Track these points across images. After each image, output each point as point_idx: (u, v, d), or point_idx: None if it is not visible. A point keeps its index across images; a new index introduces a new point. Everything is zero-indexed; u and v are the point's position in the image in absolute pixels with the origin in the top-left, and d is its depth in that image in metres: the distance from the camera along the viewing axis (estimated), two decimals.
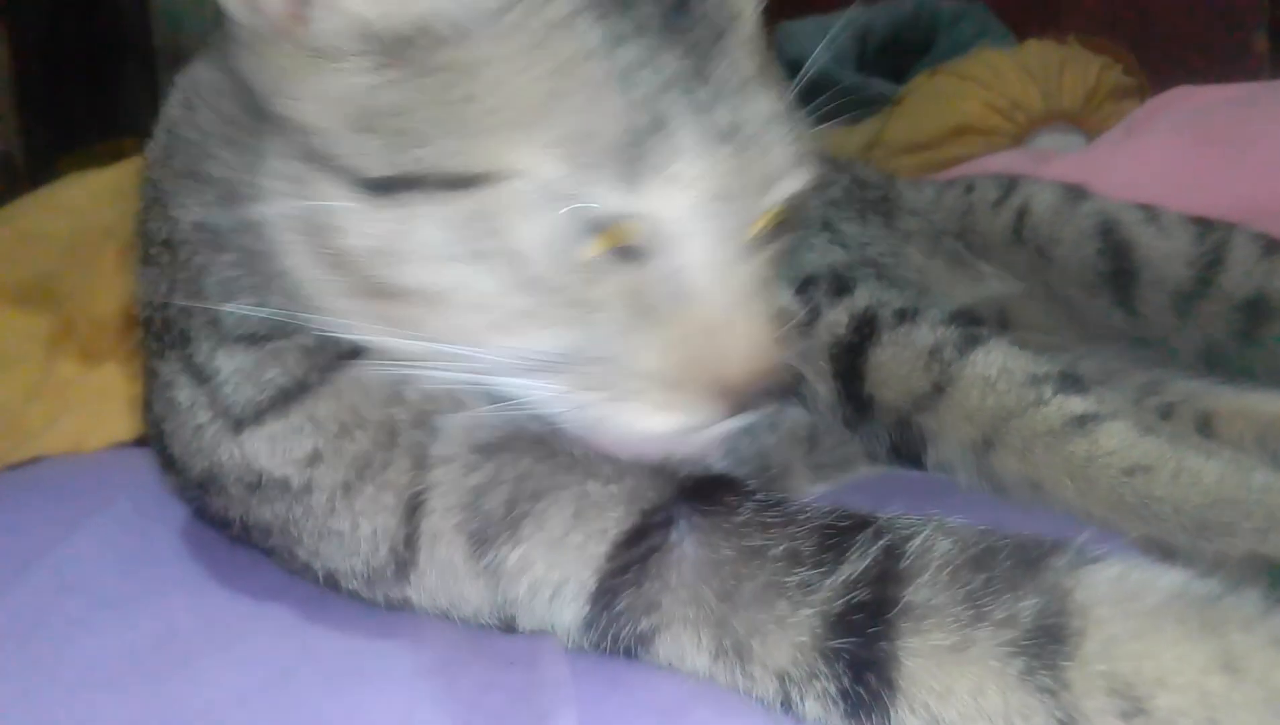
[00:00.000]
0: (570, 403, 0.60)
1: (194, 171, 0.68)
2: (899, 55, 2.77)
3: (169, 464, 0.76)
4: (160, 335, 0.73)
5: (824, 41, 0.78)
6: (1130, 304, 1.08)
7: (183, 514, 0.83)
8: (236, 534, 0.73)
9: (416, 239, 0.57)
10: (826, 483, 0.87)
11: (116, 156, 2.66)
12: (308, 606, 0.71)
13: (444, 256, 0.57)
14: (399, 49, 0.58)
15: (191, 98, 0.70)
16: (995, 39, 2.58)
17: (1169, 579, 0.53)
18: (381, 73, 0.58)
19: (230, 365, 0.69)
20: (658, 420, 0.60)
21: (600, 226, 0.57)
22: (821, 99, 0.70)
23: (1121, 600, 0.52)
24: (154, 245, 0.72)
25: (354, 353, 0.67)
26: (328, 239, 0.60)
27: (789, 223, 0.66)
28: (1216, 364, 0.98)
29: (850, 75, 2.76)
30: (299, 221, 0.61)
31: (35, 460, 1.08)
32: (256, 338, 0.68)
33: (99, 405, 1.13)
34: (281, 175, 0.61)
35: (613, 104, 0.56)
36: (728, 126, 0.58)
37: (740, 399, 0.59)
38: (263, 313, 0.66)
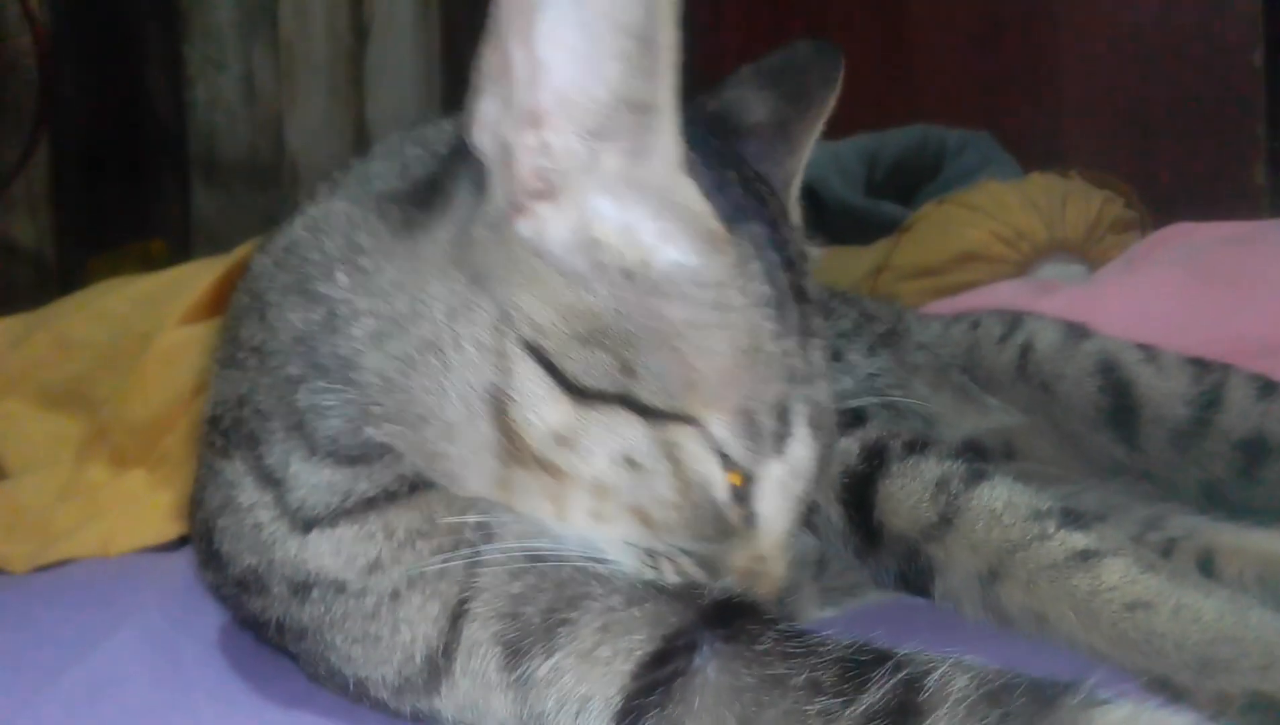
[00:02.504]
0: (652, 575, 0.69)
1: (304, 288, 0.72)
2: (906, 180, 2.85)
3: (210, 559, 0.78)
4: (228, 433, 0.75)
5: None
6: (1131, 440, 1.11)
7: (212, 624, 0.86)
8: (270, 635, 0.75)
9: (600, 442, 0.65)
10: (834, 608, 0.89)
11: (145, 258, 2.75)
12: (335, 714, 0.73)
13: (631, 463, 0.66)
14: (627, 278, 0.66)
15: (322, 224, 0.74)
16: (1000, 168, 2.66)
17: (1177, 722, 0.55)
18: (607, 294, 0.66)
19: (313, 477, 0.71)
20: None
21: (734, 472, 0.68)
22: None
23: None
24: (243, 350, 0.75)
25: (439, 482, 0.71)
26: (508, 409, 0.66)
27: None
28: (1217, 500, 1.01)
29: (859, 199, 2.84)
30: (479, 384, 0.66)
31: (63, 563, 1.11)
32: (351, 458, 0.71)
33: (127, 510, 1.16)
34: (474, 341, 0.66)
35: (768, 386, 0.68)
36: (818, 416, 0.70)
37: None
38: (363, 437, 0.70)
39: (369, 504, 0.71)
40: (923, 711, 0.57)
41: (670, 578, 0.68)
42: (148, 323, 1.33)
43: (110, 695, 0.79)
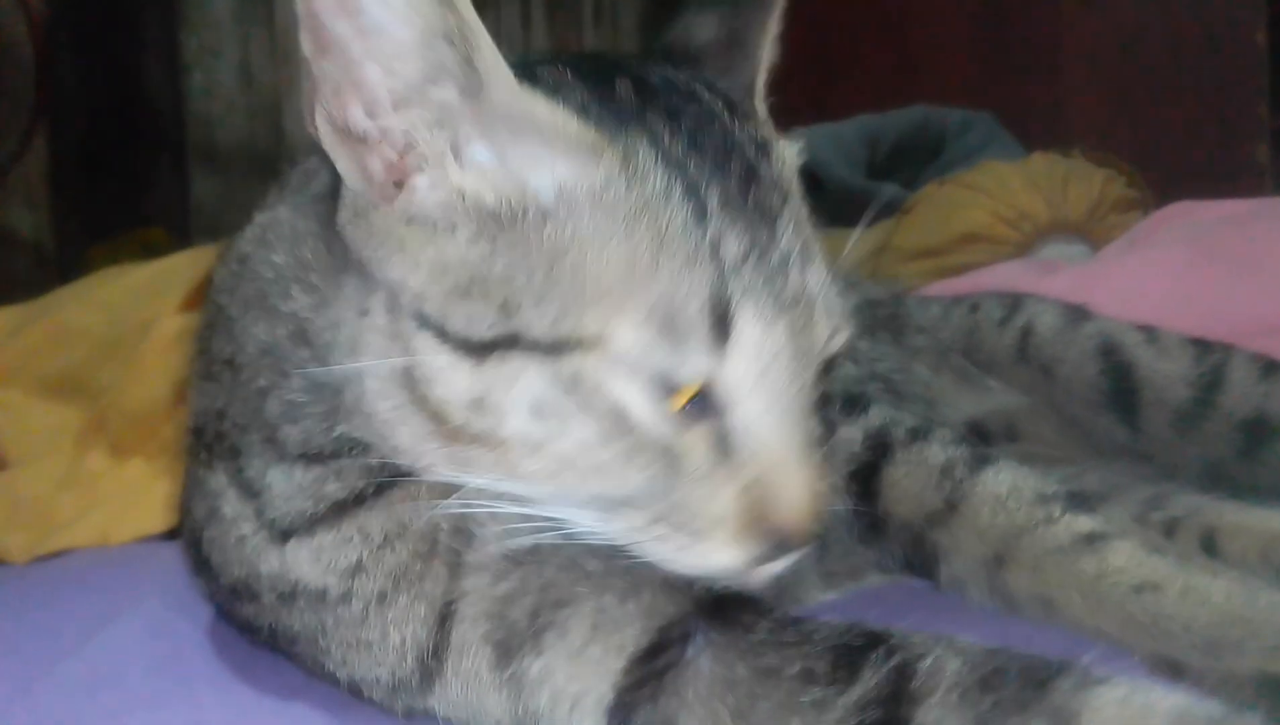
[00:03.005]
0: (634, 539, 0.63)
1: (264, 303, 0.72)
2: (908, 161, 2.84)
3: (202, 567, 0.78)
4: (211, 446, 0.75)
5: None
6: (1133, 422, 1.11)
7: (209, 612, 0.85)
8: (264, 640, 0.75)
9: (515, 395, 0.61)
10: (836, 591, 0.89)
11: (144, 246, 2.74)
12: (331, 704, 0.73)
13: (541, 411, 0.61)
14: (503, 222, 0.62)
15: (269, 236, 0.73)
16: (1002, 148, 2.65)
17: (1172, 702, 0.55)
18: (485, 244, 0.62)
19: (285, 481, 0.71)
20: (716, 559, 0.63)
21: (681, 386, 0.61)
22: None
23: (1126, 723, 0.53)
24: (217, 363, 0.75)
25: (411, 471, 0.70)
26: (422, 390, 0.63)
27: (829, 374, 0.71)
28: (1219, 480, 1.00)
29: (861, 180, 2.83)
30: (391, 372, 0.64)
31: (63, 552, 1.11)
32: (321, 456, 0.70)
33: (127, 499, 1.16)
34: (377, 330, 0.65)
35: (696, 277, 0.61)
36: (790, 297, 0.63)
37: (790, 540, 0.63)
38: (335, 433, 0.69)
39: (340, 508, 0.70)
40: (915, 699, 0.57)
41: (654, 550, 0.63)
42: (146, 311, 1.32)
43: (110, 683, 0.79)
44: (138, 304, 1.38)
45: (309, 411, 0.70)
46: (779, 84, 0.79)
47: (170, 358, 1.22)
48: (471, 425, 0.63)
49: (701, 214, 0.62)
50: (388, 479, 0.70)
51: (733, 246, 0.62)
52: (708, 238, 0.62)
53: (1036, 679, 0.56)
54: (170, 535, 1.11)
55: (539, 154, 0.62)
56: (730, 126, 0.68)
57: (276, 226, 0.73)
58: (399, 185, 0.63)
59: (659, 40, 0.80)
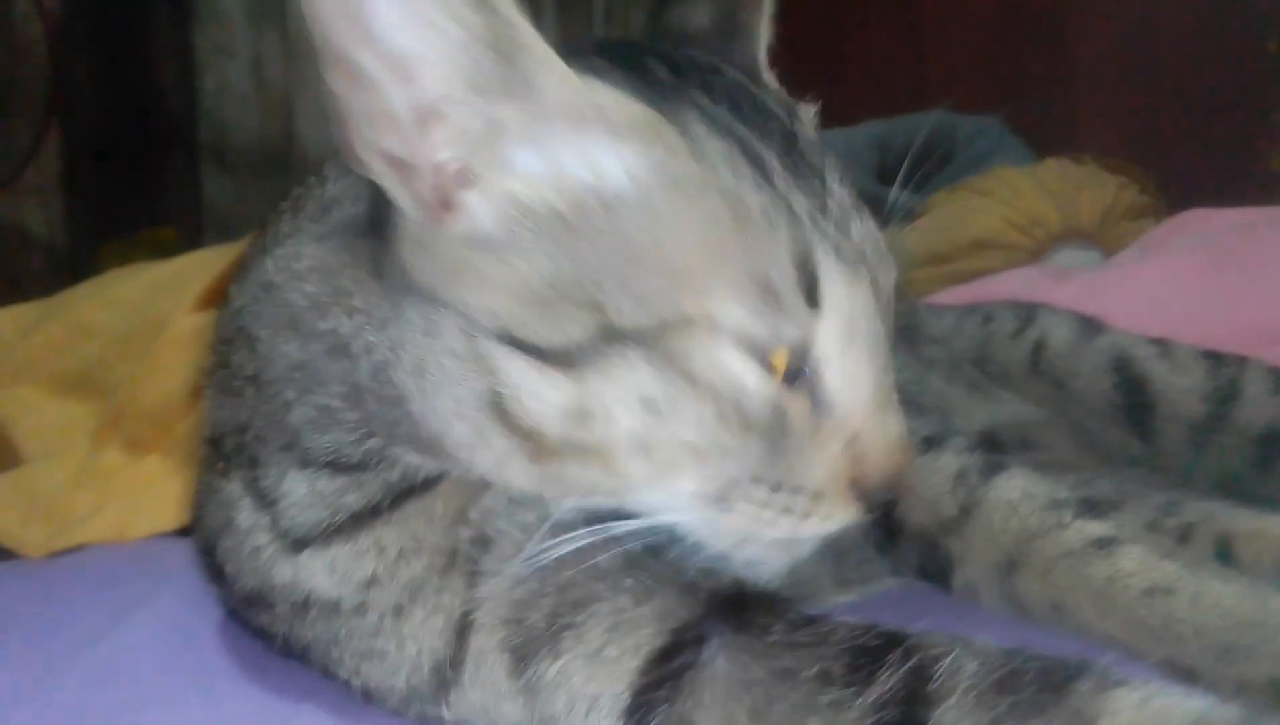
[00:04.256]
0: (744, 532, 0.64)
1: (297, 326, 0.70)
2: (919, 167, 2.84)
3: (217, 576, 0.78)
4: (230, 456, 0.75)
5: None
6: (1147, 436, 1.11)
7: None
8: (278, 648, 0.75)
9: (622, 392, 0.60)
10: (852, 594, 0.89)
11: (156, 245, 2.75)
12: (345, 702, 0.73)
13: (653, 403, 0.60)
14: (569, 222, 0.61)
15: (297, 268, 0.71)
16: (1013, 154, 2.65)
17: (1190, 705, 0.54)
18: (555, 249, 0.60)
19: (305, 488, 0.70)
20: (835, 519, 0.64)
21: (780, 349, 0.61)
22: None
23: None
24: (239, 379, 0.74)
25: (426, 485, 0.70)
26: (511, 410, 0.61)
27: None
28: (1234, 493, 0.99)
29: (872, 185, 2.83)
30: (471, 394, 0.62)
31: (79, 548, 1.11)
32: (347, 466, 0.70)
33: (142, 495, 1.16)
34: (451, 353, 0.63)
35: (772, 241, 0.60)
36: (855, 252, 0.63)
37: (876, 495, 0.64)
38: (365, 446, 0.69)
39: (358, 520, 0.70)
40: (932, 701, 0.57)
41: (764, 530, 0.63)
42: (160, 309, 1.33)
43: (125, 677, 0.79)
44: (153, 302, 1.39)
45: (342, 419, 0.69)
46: (790, 88, 0.78)
47: (185, 355, 1.22)
48: (573, 438, 0.61)
49: (766, 174, 0.62)
50: (404, 492, 0.69)
51: (802, 203, 0.62)
52: (779, 196, 0.61)
53: (1054, 681, 0.56)
54: (185, 532, 1.11)
55: (600, 142, 0.61)
56: (759, 94, 0.68)
57: (301, 259, 0.72)
58: (448, 206, 0.62)
59: (655, 29, 0.79)
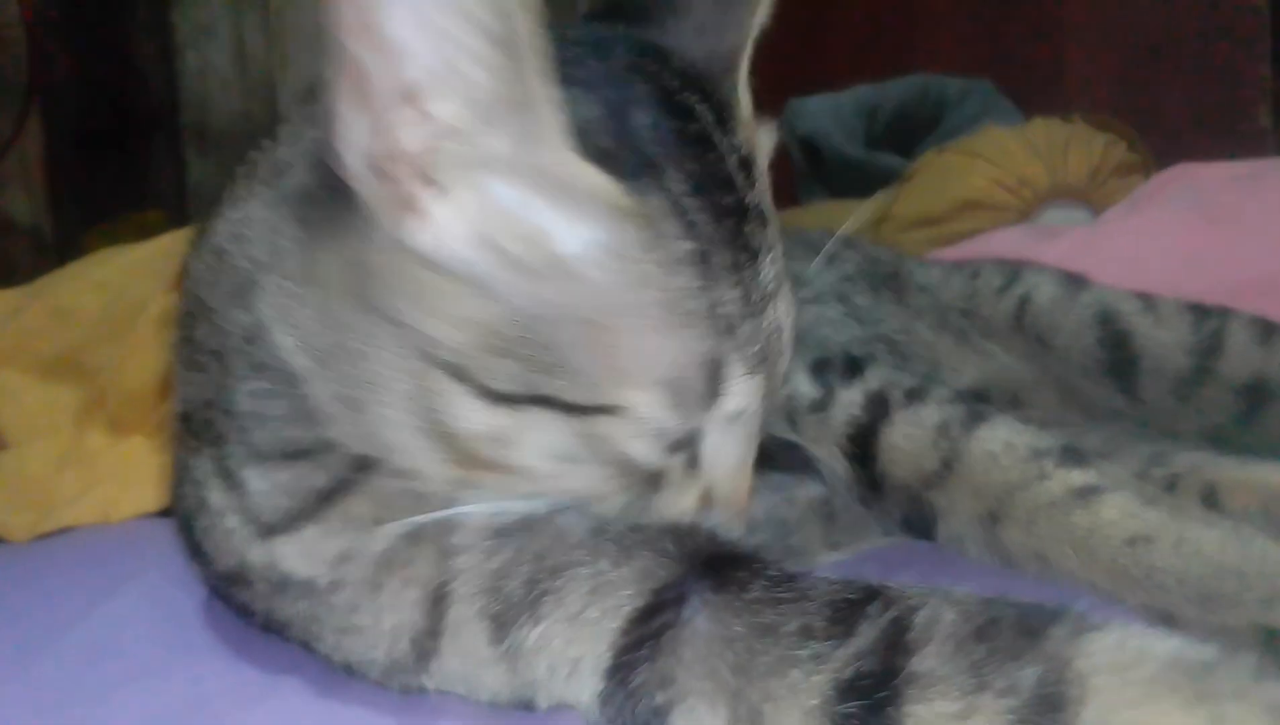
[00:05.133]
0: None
1: (244, 296, 0.70)
2: (907, 131, 2.82)
3: (196, 553, 0.78)
4: (199, 433, 0.74)
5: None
6: (1131, 391, 1.11)
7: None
8: (259, 625, 0.75)
9: (532, 438, 0.65)
10: (841, 552, 0.89)
11: (142, 229, 2.73)
12: (329, 675, 0.73)
13: (557, 455, 0.66)
14: (527, 276, 0.62)
15: (245, 232, 0.71)
16: (1002, 116, 2.63)
17: (1165, 646, 0.54)
18: (509, 297, 0.62)
19: (263, 482, 0.70)
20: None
21: (679, 436, 0.68)
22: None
23: (1119, 669, 0.53)
24: (202, 353, 0.74)
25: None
26: (442, 423, 0.65)
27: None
28: (1220, 445, 1.00)
29: (859, 151, 2.82)
30: (406, 402, 0.65)
31: (64, 530, 1.11)
32: (298, 453, 0.70)
33: (127, 476, 1.16)
34: (393, 367, 0.65)
35: (699, 343, 0.65)
36: (766, 341, 0.68)
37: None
38: (317, 434, 0.69)
39: (325, 497, 0.70)
40: (910, 649, 0.57)
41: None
42: (140, 290, 1.32)
43: (110, 654, 0.79)
44: (134, 283, 1.38)
45: (284, 412, 0.69)
46: (775, 54, 0.76)
47: (166, 335, 1.21)
48: (487, 454, 0.65)
49: (707, 275, 0.64)
50: (368, 465, 0.69)
51: (727, 305, 0.65)
52: (709, 299, 0.64)
53: (1030, 627, 0.56)
54: (169, 512, 1.11)
55: (576, 215, 0.62)
56: (722, 149, 0.68)
57: (250, 223, 0.71)
58: (417, 216, 0.62)
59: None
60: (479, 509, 0.68)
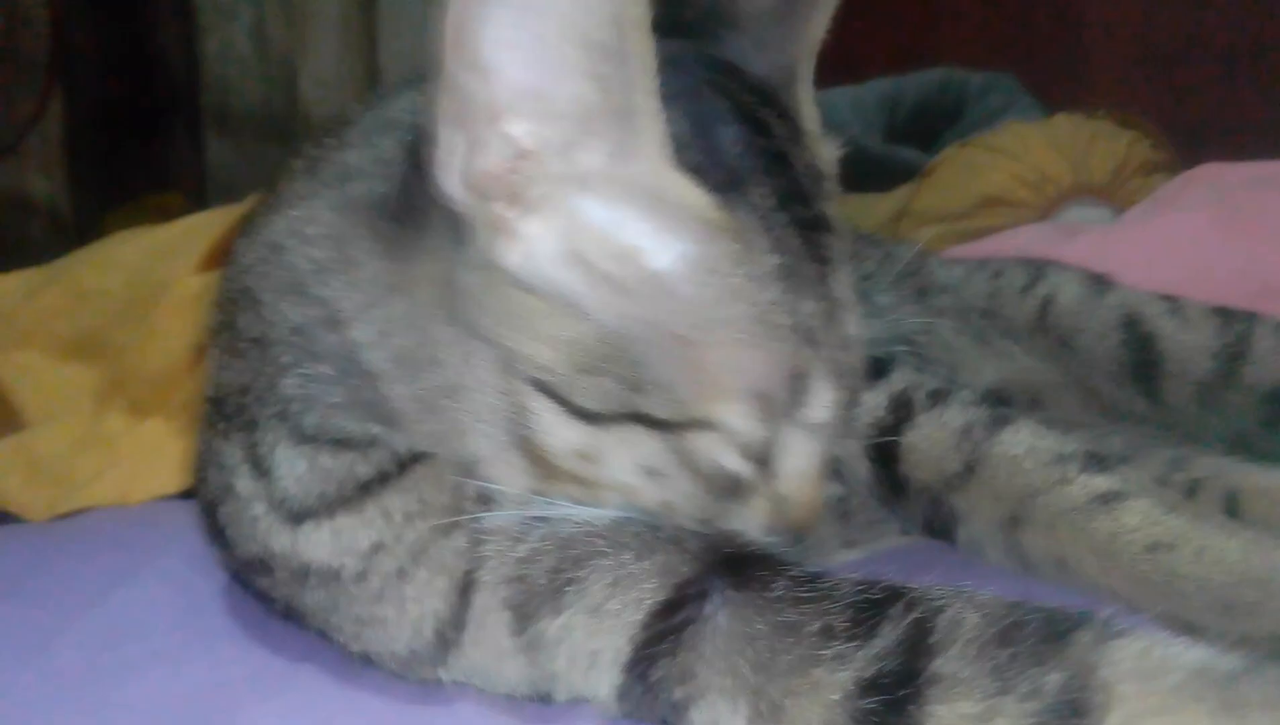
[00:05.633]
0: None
1: (301, 290, 0.71)
2: (928, 125, 2.81)
3: (218, 538, 0.78)
4: (231, 417, 0.74)
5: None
6: (1155, 394, 1.10)
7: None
8: (279, 612, 0.75)
9: (626, 455, 0.66)
10: (857, 550, 0.89)
11: (162, 211, 2.74)
12: (347, 664, 0.73)
13: (649, 472, 0.66)
14: (620, 294, 0.63)
15: (307, 231, 0.72)
16: (1024, 111, 2.62)
17: (1191, 656, 0.54)
18: (602, 316, 0.63)
19: (300, 463, 0.70)
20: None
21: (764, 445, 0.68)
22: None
23: (1144, 677, 0.53)
24: (243, 340, 0.74)
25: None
26: (528, 437, 0.65)
27: None
28: (1243, 451, 0.98)
29: (879, 144, 2.80)
30: (493, 416, 0.66)
31: (82, 511, 1.11)
32: (344, 442, 0.70)
33: (146, 458, 1.16)
34: (484, 384, 0.66)
35: (785, 357, 0.66)
36: (843, 355, 0.69)
37: (795, 531, 0.71)
38: (371, 431, 0.70)
39: (364, 489, 0.70)
40: (933, 652, 0.57)
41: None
42: (161, 272, 1.33)
43: (129, 637, 0.80)
44: (155, 265, 1.38)
45: (339, 401, 0.70)
46: None
47: (187, 318, 1.22)
48: (576, 470, 0.66)
49: (792, 288, 0.65)
50: (413, 458, 0.70)
51: (810, 317, 0.66)
52: (794, 311, 0.65)
53: (1055, 632, 0.55)
54: (187, 495, 1.12)
55: (669, 228, 0.63)
56: (798, 166, 0.69)
57: (315, 224, 0.71)
58: (507, 236, 0.63)
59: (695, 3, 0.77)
60: (551, 513, 0.68)
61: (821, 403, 0.68)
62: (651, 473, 0.66)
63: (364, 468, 0.70)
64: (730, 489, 0.69)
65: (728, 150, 0.66)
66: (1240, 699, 0.51)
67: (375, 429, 0.70)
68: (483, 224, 0.63)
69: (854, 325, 0.70)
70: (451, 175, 0.62)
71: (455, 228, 0.64)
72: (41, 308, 1.41)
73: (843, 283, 0.69)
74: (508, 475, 0.68)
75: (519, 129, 0.61)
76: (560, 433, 0.65)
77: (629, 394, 0.64)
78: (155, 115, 3.26)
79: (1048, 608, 0.58)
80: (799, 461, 0.70)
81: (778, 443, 0.68)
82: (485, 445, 0.67)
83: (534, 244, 0.63)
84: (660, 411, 0.64)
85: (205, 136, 3.26)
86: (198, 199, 3.01)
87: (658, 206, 0.63)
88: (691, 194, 0.63)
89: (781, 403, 0.66)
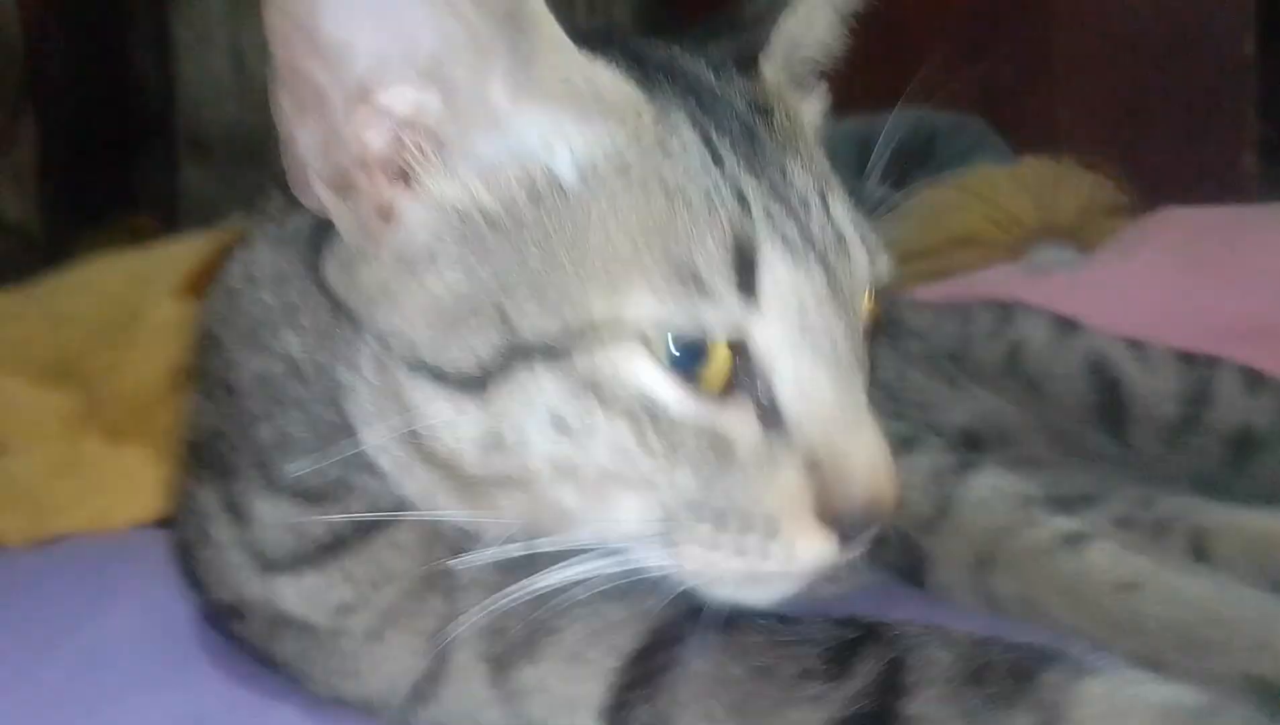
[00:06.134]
0: (705, 566, 0.59)
1: (256, 339, 0.69)
2: (899, 165, 2.85)
3: (193, 583, 0.77)
4: (209, 463, 0.74)
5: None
6: (1121, 436, 1.12)
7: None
8: (252, 658, 0.74)
9: (532, 416, 0.56)
10: (839, 585, 0.90)
11: (134, 233, 2.72)
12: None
13: (564, 425, 0.56)
14: (496, 221, 0.58)
15: (255, 274, 0.70)
16: (992, 152, 2.66)
17: (1160, 695, 0.55)
18: (473, 256, 0.58)
19: (274, 515, 0.69)
20: (802, 553, 0.57)
21: (710, 347, 0.56)
22: None
23: (1112, 719, 0.54)
24: (215, 385, 0.73)
25: (394, 513, 0.67)
26: (428, 445, 0.60)
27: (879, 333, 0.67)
28: (1209, 491, 1.01)
29: (851, 182, 2.83)
30: (389, 429, 0.61)
31: (59, 538, 1.10)
32: (311, 495, 0.68)
33: (122, 484, 1.16)
34: (368, 387, 0.62)
35: (704, 226, 0.56)
36: (816, 230, 0.59)
37: (852, 527, 0.57)
38: (329, 476, 0.66)
39: (325, 550, 0.68)
40: (906, 691, 0.57)
41: (721, 570, 0.58)
42: (139, 297, 1.32)
43: (107, 665, 0.79)
44: (131, 290, 1.38)
45: (302, 445, 0.67)
46: None
47: (164, 343, 1.21)
48: (492, 468, 0.59)
49: (719, 162, 0.59)
50: (371, 523, 0.67)
51: (751, 188, 0.58)
52: (726, 180, 0.58)
53: (1024, 671, 0.56)
54: (165, 522, 1.11)
55: (576, 122, 0.59)
56: (722, 86, 0.66)
57: (259, 265, 0.70)
58: (388, 217, 0.60)
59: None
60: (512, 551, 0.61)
61: (784, 283, 0.56)
62: (565, 428, 0.56)
63: (320, 529, 0.68)
64: (706, 446, 0.56)
65: (643, 57, 0.64)
66: None
67: (355, 479, 0.66)
68: (360, 220, 0.60)
69: (836, 209, 0.62)
70: (311, 178, 0.59)
71: (324, 229, 0.62)
72: (17, 332, 1.40)
73: (800, 175, 0.62)
74: (430, 494, 0.63)
75: (393, 97, 0.58)
76: (454, 423, 0.58)
77: (501, 328, 0.56)
78: (129, 137, 3.24)
79: (1019, 645, 0.59)
80: (807, 387, 0.56)
81: (748, 347, 0.56)
82: (389, 463, 0.63)
83: (409, 223, 0.59)
84: (540, 329, 0.56)
85: (180, 159, 3.24)
86: (171, 222, 2.99)
87: (568, 99, 0.58)
88: (601, 72, 0.59)
89: (715, 272, 0.55)
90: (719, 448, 0.57)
